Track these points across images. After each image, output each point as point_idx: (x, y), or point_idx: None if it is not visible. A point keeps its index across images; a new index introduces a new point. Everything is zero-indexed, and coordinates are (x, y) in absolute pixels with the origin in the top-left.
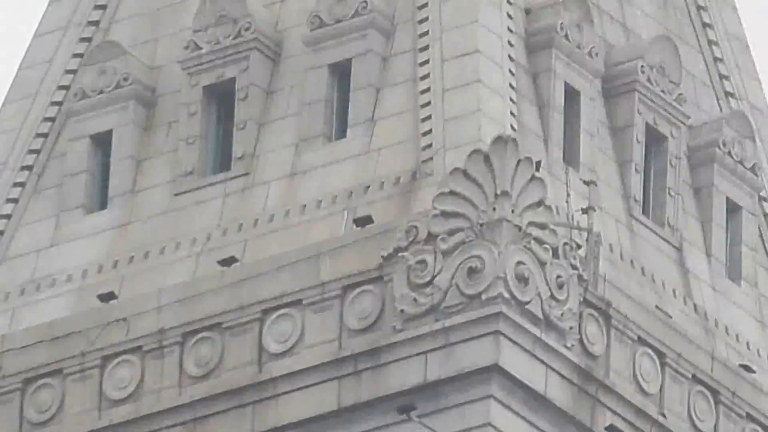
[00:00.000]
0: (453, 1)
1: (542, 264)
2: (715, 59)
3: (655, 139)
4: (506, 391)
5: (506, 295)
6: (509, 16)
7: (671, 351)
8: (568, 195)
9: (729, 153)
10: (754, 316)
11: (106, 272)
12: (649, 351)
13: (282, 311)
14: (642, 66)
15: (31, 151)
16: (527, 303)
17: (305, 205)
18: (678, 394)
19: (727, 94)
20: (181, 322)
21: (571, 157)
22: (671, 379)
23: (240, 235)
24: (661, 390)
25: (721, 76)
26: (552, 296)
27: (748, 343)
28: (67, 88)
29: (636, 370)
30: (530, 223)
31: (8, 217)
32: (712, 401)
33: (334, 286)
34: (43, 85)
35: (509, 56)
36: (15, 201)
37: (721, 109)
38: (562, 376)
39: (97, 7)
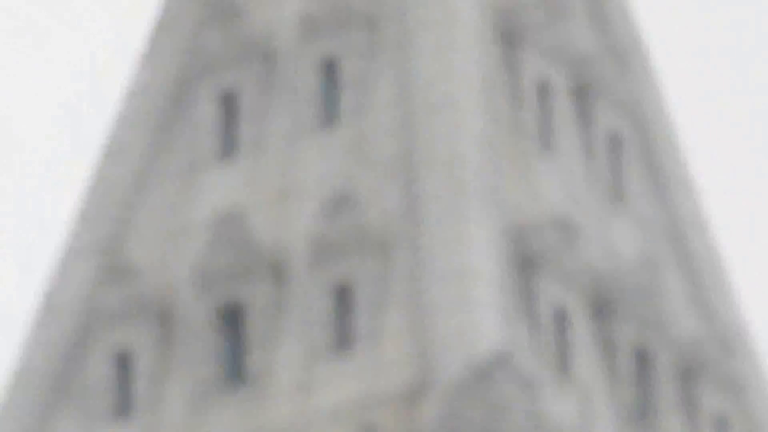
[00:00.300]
0: (445, 221)
1: None
2: (694, 281)
3: (642, 355)
4: None
5: None
6: (501, 232)
7: None
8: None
9: (711, 369)
10: None
11: None
12: None
13: None
14: (626, 287)
15: (59, 362)
16: None
17: (315, 417)
18: None
19: (705, 313)
20: None
21: (563, 368)
22: None
23: None
24: None
25: (699, 297)
26: None
27: None
28: (91, 307)
29: None
30: None
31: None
32: None
33: None
34: (70, 305)
35: (501, 275)
36: (43, 407)
37: (700, 327)
38: None
39: (114, 234)
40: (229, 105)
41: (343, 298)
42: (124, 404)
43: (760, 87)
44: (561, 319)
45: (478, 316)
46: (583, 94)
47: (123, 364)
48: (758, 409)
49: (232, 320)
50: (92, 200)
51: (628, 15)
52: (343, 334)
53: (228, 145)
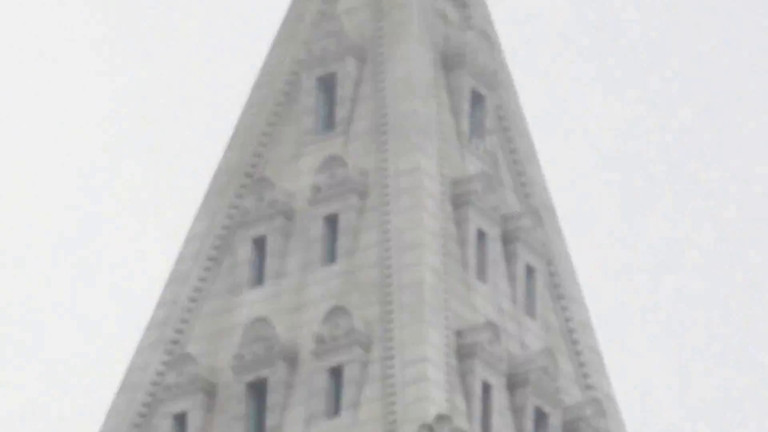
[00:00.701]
0: (410, 326)
1: None
2: (580, 364)
3: (541, 416)
4: None
5: None
6: (446, 343)
7: None
8: None
9: (589, 425)
10: None
11: None
12: None
13: None
14: (532, 369)
15: (132, 426)
16: None
17: None
18: None
19: (588, 386)
20: None
21: (486, 425)
22: None
23: None
24: None
25: (584, 375)
26: None
27: None
28: (157, 384)
29: None
30: None
31: None
32: None
33: None
34: (141, 382)
35: (447, 361)
36: None
37: (582, 396)
38: None
39: (177, 330)
40: (259, 248)
41: (335, 377)
42: None
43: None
44: (487, 392)
45: (429, 390)
46: (508, 240)
47: (180, 424)
48: None
49: (258, 393)
50: (160, 312)
51: (543, 185)
52: (334, 403)
53: (259, 275)
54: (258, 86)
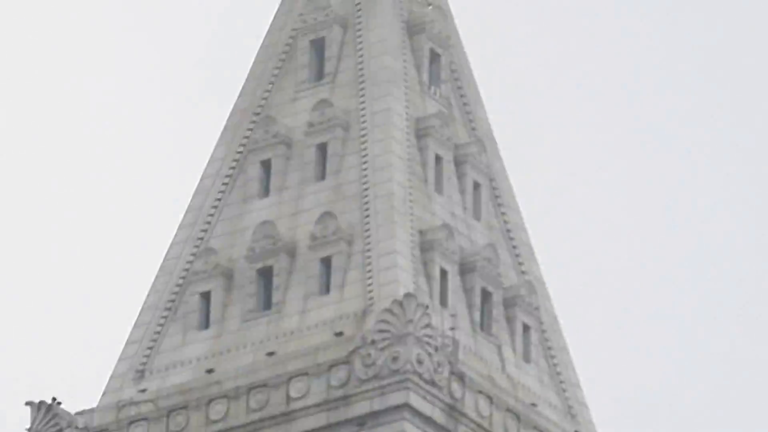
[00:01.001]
0: (383, 226)
1: (429, 354)
2: (516, 255)
3: (486, 294)
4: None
5: (411, 369)
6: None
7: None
8: (451, 322)
9: (525, 303)
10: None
11: None
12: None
13: None
14: (479, 260)
15: (172, 293)
16: (423, 373)
17: (310, 327)
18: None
19: (522, 272)
20: None
21: (444, 301)
22: None
23: None
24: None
25: (519, 263)
26: (436, 369)
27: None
28: (187, 270)
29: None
30: (423, 335)
31: None
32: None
33: None
34: (175, 270)
35: (412, 253)
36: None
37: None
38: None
39: (202, 230)
40: (266, 168)
41: (326, 265)
42: (206, 319)
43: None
44: (444, 277)
45: (399, 275)
46: (459, 163)
47: (206, 300)
48: None
49: (266, 277)
50: (189, 216)
51: (486, 121)
52: (325, 285)
53: (265, 189)
54: (264, 47)
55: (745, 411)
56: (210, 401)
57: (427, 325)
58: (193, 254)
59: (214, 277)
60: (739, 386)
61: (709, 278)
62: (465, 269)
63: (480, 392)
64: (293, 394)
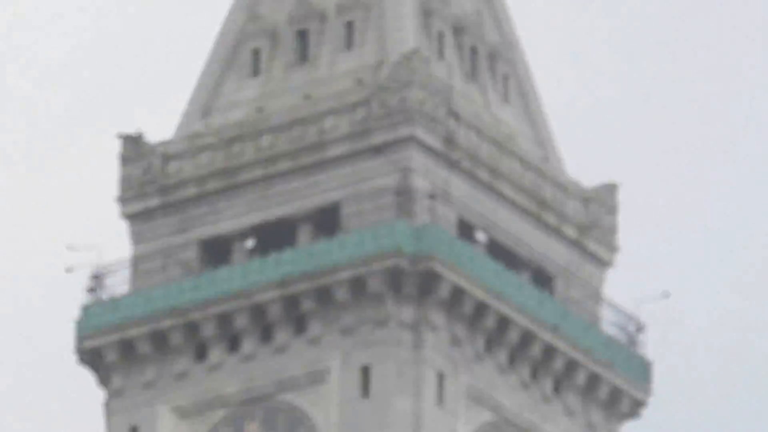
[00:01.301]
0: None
1: (430, 96)
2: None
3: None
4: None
5: (416, 108)
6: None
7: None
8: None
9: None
10: None
11: None
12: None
13: None
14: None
15: None
16: (425, 111)
17: (334, 78)
18: None
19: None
20: None
21: (441, 55)
22: None
23: None
24: None
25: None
26: (435, 109)
27: None
28: None
29: None
30: (425, 81)
31: None
32: None
33: None
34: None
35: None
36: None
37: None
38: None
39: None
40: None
41: (349, 28)
42: (257, 69)
43: None
44: (442, 35)
45: (406, 35)
46: (457, 32)
47: (256, 56)
48: None
49: (303, 37)
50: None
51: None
52: (349, 42)
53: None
54: None
55: None
56: (260, 133)
57: (429, 74)
58: (246, 18)
59: (262, 36)
60: None
61: None
62: (457, 30)
63: (470, 126)
64: (325, 127)
